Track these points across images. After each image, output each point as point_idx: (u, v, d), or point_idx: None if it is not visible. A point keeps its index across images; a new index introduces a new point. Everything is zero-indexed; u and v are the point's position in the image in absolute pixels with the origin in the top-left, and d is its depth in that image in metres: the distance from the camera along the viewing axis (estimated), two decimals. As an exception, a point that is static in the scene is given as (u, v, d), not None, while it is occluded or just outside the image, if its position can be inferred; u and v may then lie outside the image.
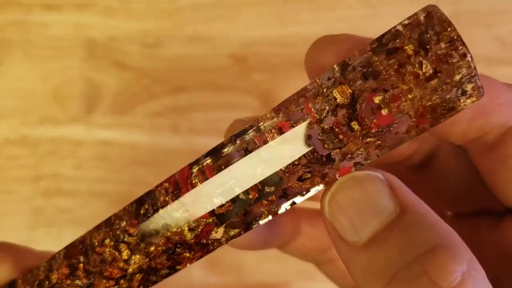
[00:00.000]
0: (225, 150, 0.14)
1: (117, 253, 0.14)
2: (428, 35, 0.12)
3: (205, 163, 0.14)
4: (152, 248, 0.14)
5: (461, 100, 0.12)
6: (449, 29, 0.12)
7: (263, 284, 0.33)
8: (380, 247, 0.13)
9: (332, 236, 0.14)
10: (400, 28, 0.12)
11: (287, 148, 0.13)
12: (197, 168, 0.14)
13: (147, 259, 0.14)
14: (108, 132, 0.35)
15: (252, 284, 0.33)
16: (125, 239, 0.14)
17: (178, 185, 0.14)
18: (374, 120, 0.13)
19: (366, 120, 0.13)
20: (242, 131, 0.14)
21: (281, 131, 0.13)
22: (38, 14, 0.36)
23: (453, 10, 0.35)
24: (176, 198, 0.14)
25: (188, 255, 0.14)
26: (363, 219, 0.13)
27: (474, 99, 0.12)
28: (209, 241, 0.14)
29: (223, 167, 0.14)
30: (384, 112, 0.12)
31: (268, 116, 0.14)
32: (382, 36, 0.13)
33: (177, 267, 0.15)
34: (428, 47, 0.12)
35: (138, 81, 0.35)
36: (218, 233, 0.14)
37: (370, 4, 0.36)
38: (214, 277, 0.33)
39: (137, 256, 0.14)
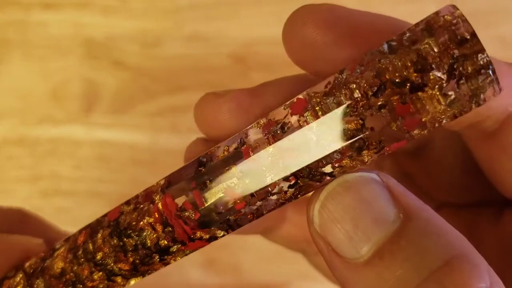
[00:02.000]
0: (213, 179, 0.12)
1: (112, 283, 0.14)
2: (460, 66, 0.11)
3: (192, 192, 0.13)
4: (149, 272, 0.14)
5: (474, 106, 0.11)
6: (482, 57, 0.11)
7: (262, 284, 0.33)
8: (387, 263, 0.11)
9: (323, 252, 0.12)
10: (429, 58, 0.11)
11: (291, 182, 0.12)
12: (184, 200, 0.13)
13: (143, 276, 0.14)
14: (107, 132, 0.35)
15: (251, 284, 0.33)
16: (118, 273, 0.14)
17: (168, 221, 0.13)
18: (387, 148, 0.12)
19: (378, 149, 0.12)
20: (235, 153, 0.12)
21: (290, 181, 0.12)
22: (37, 13, 0.36)
23: (453, 10, 0.35)
24: (172, 240, 0.13)
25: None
26: (363, 231, 0.11)
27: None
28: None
29: (214, 194, 0.12)
30: (398, 143, 0.11)
31: (259, 138, 0.12)
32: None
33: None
34: (457, 77, 0.11)
35: (137, 81, 0.35)
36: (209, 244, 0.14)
37: (369, 5, 0.35)
38: (212, 277, 0.33)
39: (134, 279, 0.14)
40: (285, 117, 0.12)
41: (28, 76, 0.36)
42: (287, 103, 0.12)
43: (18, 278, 0.15)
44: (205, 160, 0.13)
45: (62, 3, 0.36)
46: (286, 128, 0.12)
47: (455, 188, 0.17)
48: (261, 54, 0.35)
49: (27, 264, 0.15)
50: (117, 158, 0.34)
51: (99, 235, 0.14)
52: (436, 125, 0.11)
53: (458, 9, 0.11)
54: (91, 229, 0.14)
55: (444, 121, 0.11)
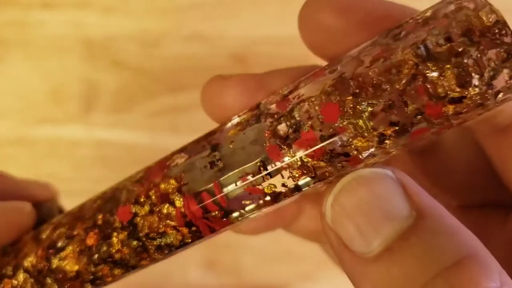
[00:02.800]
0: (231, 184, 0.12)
1: (129, 273, 0.14)
2: (499, 76, 0.10)
3: (213, 190, 0.12)
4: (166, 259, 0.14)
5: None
6: None
7: (262, 285, 0.33)
8: (396, 259, 0.11)
9: (334, 245, 0.12)
10: (471, 72, 0.10)
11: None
12: (206, 201, 0.13)
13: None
14: (106, 131, 0.35)
15: (251, 285, 0.33)
16: (139, 266, 0.14)
17: (192, 222, 0.13)
18: (410, 145, 0.12)
19: (404, 147, 0.12)
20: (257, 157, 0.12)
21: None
22: (36, 13, 0.36)
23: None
24: (198, 238, 0.13)
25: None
26: (374, 226, 0.11)
27: None
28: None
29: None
30: (421, 141, 0.11)
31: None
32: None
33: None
34: (495, 88, 0.10)
35: (137, 81, 0.35)
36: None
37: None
38: (213, 278, 0.33)
39: (150, 265, 0.14)
40: (314, 116, 0.12)
41: (27, 76, 0.36)
42: (311, 98, 0.12)
43: (22, 278, 0.15)
44: (219, 154, 0.13)
45: (62, 3, 0.36)
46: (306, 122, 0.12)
47: (463, 188, 0.17)
48: (261, 54, 0.35)
49: (26, 263, 0.15)
50: (116, 158, 0.34)
51: (114, 238, 0.14)
52: (461, 123, 0.11)
53: (497, 10, 0.11)
54: (101, 231, 0.14)
55: (469, 120, 0.11)
